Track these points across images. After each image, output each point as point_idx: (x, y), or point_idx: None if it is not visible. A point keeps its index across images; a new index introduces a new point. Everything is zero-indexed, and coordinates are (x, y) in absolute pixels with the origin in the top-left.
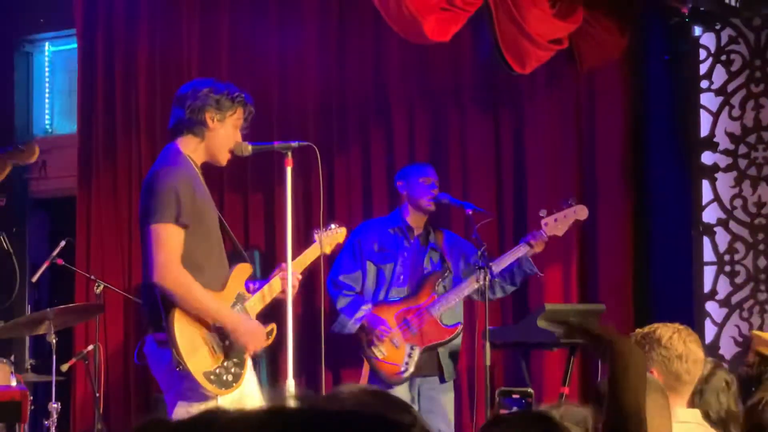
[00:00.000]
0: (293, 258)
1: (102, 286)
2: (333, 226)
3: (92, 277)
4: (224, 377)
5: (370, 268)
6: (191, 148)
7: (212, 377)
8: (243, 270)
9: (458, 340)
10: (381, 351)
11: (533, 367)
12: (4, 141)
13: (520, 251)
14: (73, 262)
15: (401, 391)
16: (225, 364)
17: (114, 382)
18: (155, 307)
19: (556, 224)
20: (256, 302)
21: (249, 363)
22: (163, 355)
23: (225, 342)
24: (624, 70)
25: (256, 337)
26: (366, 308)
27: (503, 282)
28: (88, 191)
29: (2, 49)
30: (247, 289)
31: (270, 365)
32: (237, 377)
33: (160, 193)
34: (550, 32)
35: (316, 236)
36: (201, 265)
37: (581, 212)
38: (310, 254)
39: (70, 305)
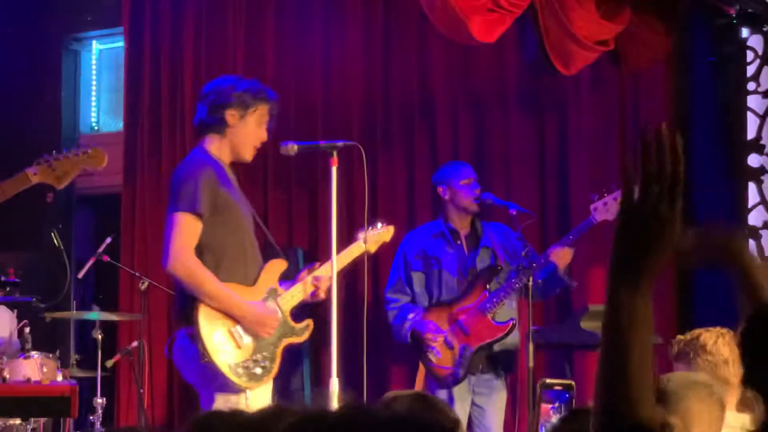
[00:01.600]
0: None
1: (146, 283)
2: (380, 224)
3: (137, 273)
4: (253, 370)
5: (418, 277)
6: (216, 146)
7: (239, 370)
8: (276, 266)
9: (514, 337)
10: (434, 355)
11: (576, 368)
12: (51, 138)
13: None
14: (118, 258)
15: (460, 391)
16: (255, 357)
17: (158, 377)
18: (186, 304)
19: (606, 208)
20: (292, 298)
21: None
22: (195, 350)
23: (250, 336)
24: (669, 71)
25: (265, 324)
26: (412, 316)
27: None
28: (133, 189)
29: (51, 46)
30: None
31: (313, 364)
32: (267, 371)
33: (178, 184)
34: (596, 33)
35: (359, 234)
36: (221, 257)
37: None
38: (353, 252)
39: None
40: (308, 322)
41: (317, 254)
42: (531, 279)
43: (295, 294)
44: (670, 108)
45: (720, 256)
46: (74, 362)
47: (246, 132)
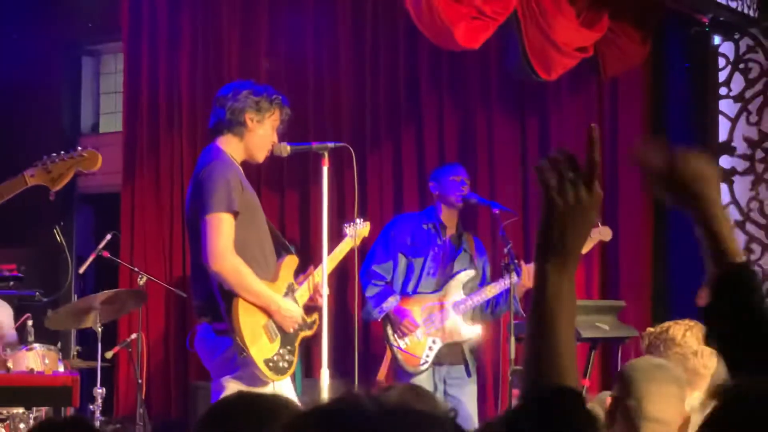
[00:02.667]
0: (328, 254)
1: (145, 278)
2: (359, 220)
3: (135, 269)
4: (280, 364)
5: (402, 259)
6: (231, 147)
7: (270, 364)
8: (291, 261)
9: (480, 339)
10: (404, 341)
11: None
12: (52, 139)
13: (502, 284)
14: (117, 254)
15: (423, 379)
16: (280, 351)
17: (155, 368)
18: (212, 298)
19: None
20: (304, 293)
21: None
22: (219, 344)
23: (281, 331)
24: (645, 77)
25: (296, 318)
26: (393, 300)
27: (483, 311)
28: (132, 187)
29: (54, 51)
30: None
31: (304, 357)
32: (290, 364)
33: (212, 185)
34: (576, 41)
35: (347, 231)
36: (254, 256)
37: (605, 233)
38: (344, 249)
39: (115, 290)
40: (315, 316)
41: (308, 252)
42: (512, 275)
43: (305, 290)
44: (646, 111)
45: (691, 184)
46: (75, 353)
47: (262, 135)
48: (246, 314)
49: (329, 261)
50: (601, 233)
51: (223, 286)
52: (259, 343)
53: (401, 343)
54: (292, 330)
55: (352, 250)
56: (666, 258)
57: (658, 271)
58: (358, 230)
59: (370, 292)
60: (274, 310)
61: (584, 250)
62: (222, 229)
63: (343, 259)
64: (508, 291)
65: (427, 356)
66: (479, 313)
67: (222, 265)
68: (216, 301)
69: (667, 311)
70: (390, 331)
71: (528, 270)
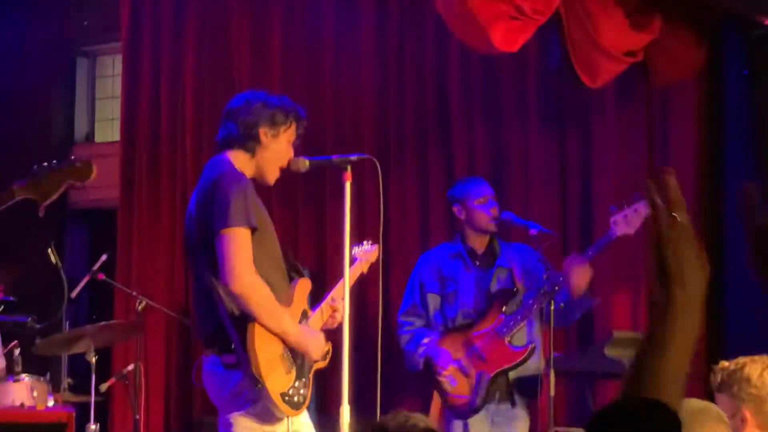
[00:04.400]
0: (342, 279)
1: (144, 303)
2: (365, 243)
3: (133, 293)
4: (295, 398)
5: (434, 299)
6: (240, 163)
7: (286, 398)
8: (305, 286)
9: (536, 362)
10: (449, 383)
11: (599, 398)
12: (43, 148)
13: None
14: (113, 277)
15: (477, 421)
16: (296, 384)
17: (154, 403)
18: (221, 327)
19: (626, 221)
20: (317, 320)
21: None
22: (229, 378)
23: (297, 361)
24: (701, 85)
25: (318, 348)
26: (426, 341)
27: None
28: (130, 203)
29: (48, 52)
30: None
31: (318, 390)
32: (305, 398)
33: (228, 197)
34: (625, 44)
35: (356, 253)
36: (267, 279)
37: None
38: (353, 274)
39: (110, 322)
40: (329, 346)
41: (325, 276)
42: (552, 302)
43: (318, 318)
44: (701, 124)
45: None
46: (66, 386)
47: (276, 151)
48: (263, 342)
49: (339, 287)
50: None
51: (234, 312)
52: (275, 375)
53: (447, 387)
54: (316, 358)
55: (366, 275)
56: (723, 281)
57: (714, 298)
58: (370, 253)
59: (403, 341)
60: (293, 337)
61: (631, 230)
62: (242, 245)
63: (360, 283)
64: (568, 297)
65: (476, 393)
66: (539, 323)
67: (244, 285)
68: (225, 330)
69: (722, 344)
70: (434, 377)
71: (579, 271)
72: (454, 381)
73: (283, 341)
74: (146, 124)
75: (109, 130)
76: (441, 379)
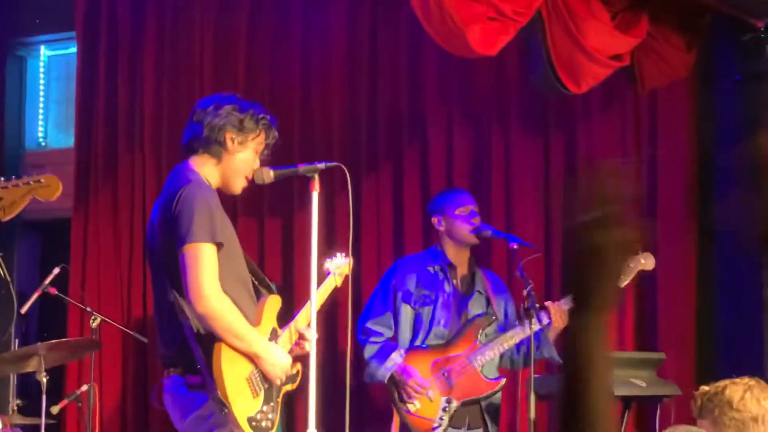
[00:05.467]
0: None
1: (99, 320)
2: (338, 255)
3: (88, 308)
4: (263, 423)
5: (407, 311)
6: (206, 170)
7: (253, 423)
8: (274, 302)
9: (499, 395)
10: (413, 404)
11: None
12: None
13: (519, 334)
14: (66, 291)
15: None
16: (264, 408)
17: (109, 427)
18: (184, 346)
19: None
20: (285, 341)
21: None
22: (193, 400)
23: (266, 384)
24: (690, 90)
25: (285, 367)
26: (396, 355)
27: (515, 355)
28: (85, 212)
29: (13, 52)
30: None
31: (285, 414)
32: (273, 423)
33: (192, 211)
34: (610, 47)
35: (328, 267)
36: (233, 296)
37: (648, 262)
38: (327, 289)
39: (63, 340)
40: (298, 368)
41: (293, 290)
42: (533, 321)
43: (287, 337)
44: (690, 131)
45: None
46: (15, 408)
47: (242, 160)
48: (229, 364)
49: (308, 308)
50: (643, 261)
51: (200, 331)
52: (242, 399)
53: (410, 407)
54: (279, 381)
55: (336, 290)
56: (713, 301)
57: (703, 317)
58: (341, 266)
59: (369, 351)
60: (263, 357)
61: (622, 284)
62: (206, 262)
63: (332, 299)
64: (536, 335)
65: (441, 419)
66: (508, 360)
67: (210, 304)
68: (190, 349)
69: (713, 365)
70: (395, 394)
71: (557, 309)
72: (418, 403)
73: (252, 363)
74: (102, 129)
75: (62, 135)
76: (408, 398)
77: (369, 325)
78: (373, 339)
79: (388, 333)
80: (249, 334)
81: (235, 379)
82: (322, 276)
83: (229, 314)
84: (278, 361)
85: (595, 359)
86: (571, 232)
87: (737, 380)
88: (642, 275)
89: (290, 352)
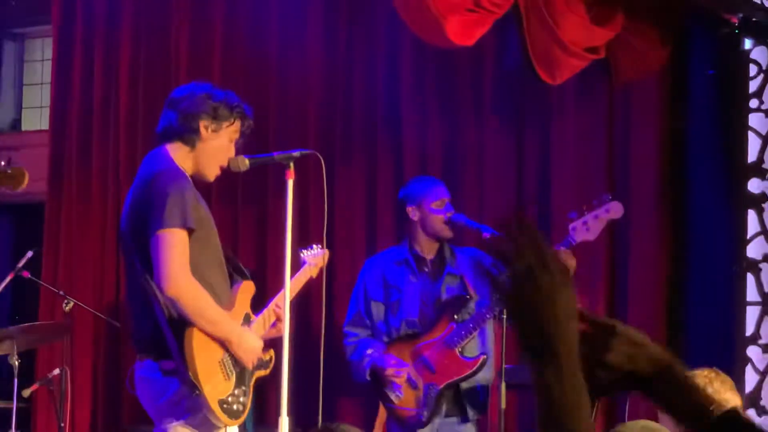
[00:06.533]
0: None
1: (71, 303)
2: (314, 246)
3: (60, 292)
4: (234, 406)
5: (378, 307)
6: (180, 157)
7: (225, 406)
8: (248, 288)
9: (486, 374)
10: (396, 395)
11: None
12: None
13: None
14: (39, 275)
15: None
16: (235, 392)
17: (81, 411)
18: (157, 330)
19: (585, 227)
20: (259, 326)
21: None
22: (167, 385)
23: (237, 368)
24: (664, 84)
25: (257, 351)
26: (370, 351)
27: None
28: (59, 196)
29: None
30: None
31: (257, 400)
32: (244, 407)
33: (165, 196)
34: (586, 39)
35: (305, 257)
36: (208, 281)
37: (615, 210)
38: (301, 278)
39: (35, 324)
40: (271, 354)
41: (266, 278)
42: (504, 313)
43: (261, 322)
44: (663, 124)
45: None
46: None
47: (216, 147)
48: (201, 347)
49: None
50: (611, 211)
51: (172, 315)
52: (214, 381)
53: (393, 398)
54: (251, 366)
55: (311, 280)
56: (684, 288)
57: (674, 304)
58: (317, 257)
59: (348, 352)
60: (235, 342)
61: (592, 237)
62: (177, 247)
63: (305, 288)
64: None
65: (425, 405)
66: (492, 333)
67: (180, 289)
68: (162, 334)
69: (684, 353)
70: (379, 387)
71: None
72: (401, 392)
73: (224, 347)
74: (77, 112)
75: (37, 118)
76: (390, 389)
77: (346, 328)
78: (350, 340)
79: (364, 332)
80: (221, 319)
81: (206, 362)
82: (297, 265)
83: (200, 299)
84: (250, 345)
85: (577, 409)
86: (507, 285)
87: (698, 372)
88: (616, 270)
89: (267, 334)
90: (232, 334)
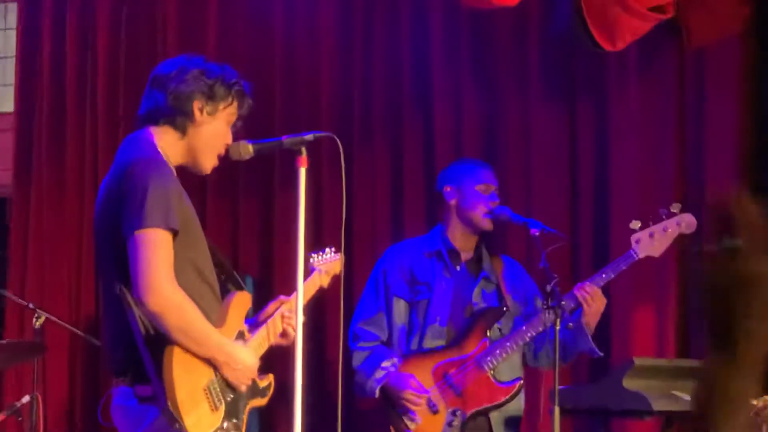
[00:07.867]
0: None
1: (43, 318)
2: (327, 250)
3: (30, 305)
4: None
5: (400, 306)
6: (167, 144)
7: None
8: (242, 300)
9: (518, 402)
10: (413, 420)
11: None
12: None
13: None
14: (4, 285)
15: None
16: (224, 425)
17: None
18: (132, 349)
19: (651, 241)
20: (263, 340)
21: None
22: (144, 414)
23: (228, 397)
24: (745, 48)
25: (250, 372)
26: (389, 364)
27: (550, 351)
28: (27, 191)
29: None
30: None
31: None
32: None
33: (143, 191)
34: None
35: (315, 263)
36: (191, 291)
37: (687, 223)
38: (314, 284)
39: (1, 342)
40: (270, 379)
41: (272, 285)
42: (558, 322)
43: (262, 341)
44: (744, 95)
45: None
46: None
47: (212, 132)
48: (183, 370)
49: (293, 301)
50: (681, 224)
51: (149, 331)
52: (198, 413)
53: (409, 424)
54: (244, 388)
55: (321, 290)
56: None
57: None
58: (329, 263)
59: (357, 359)
60: (222, 360)
61: (657, 253)
62: (160, 250)
63: (318, 299)
64: (572, 333)
65: None
66: (532, 359)
67: (165, 301)
68: (138, 353)
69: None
70: (390, 410)
71: (587, 291)
72: (419, 418)
73: (212, 368)
74: (48, 92)
75: (1, 98)
76: (405, 413)
77: (360, 325)
78: (362, 344)
79: (382, 335)
80: (208, 336)
81: (189, 389)
82: (306, 272)
83: (186, 312)
84: (243, 363)
85: (734, 410)
86: (707, 262)
87: None
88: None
89: (283, 336)
90: (222, 353)
